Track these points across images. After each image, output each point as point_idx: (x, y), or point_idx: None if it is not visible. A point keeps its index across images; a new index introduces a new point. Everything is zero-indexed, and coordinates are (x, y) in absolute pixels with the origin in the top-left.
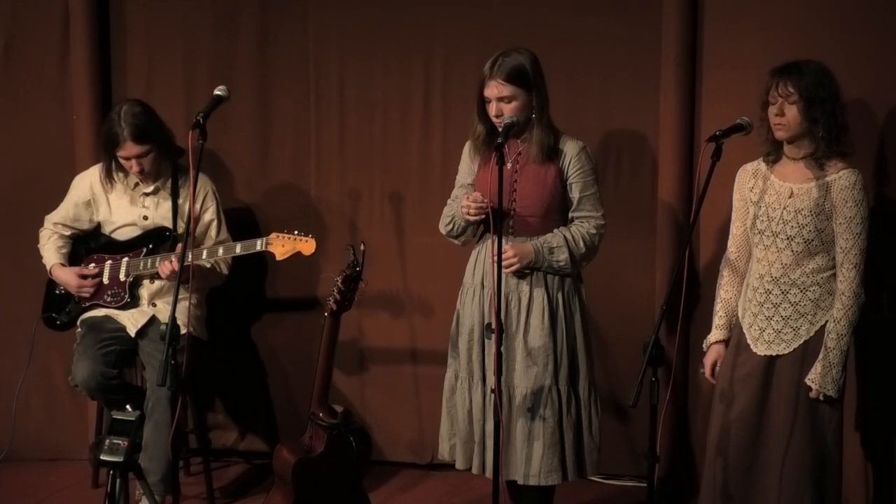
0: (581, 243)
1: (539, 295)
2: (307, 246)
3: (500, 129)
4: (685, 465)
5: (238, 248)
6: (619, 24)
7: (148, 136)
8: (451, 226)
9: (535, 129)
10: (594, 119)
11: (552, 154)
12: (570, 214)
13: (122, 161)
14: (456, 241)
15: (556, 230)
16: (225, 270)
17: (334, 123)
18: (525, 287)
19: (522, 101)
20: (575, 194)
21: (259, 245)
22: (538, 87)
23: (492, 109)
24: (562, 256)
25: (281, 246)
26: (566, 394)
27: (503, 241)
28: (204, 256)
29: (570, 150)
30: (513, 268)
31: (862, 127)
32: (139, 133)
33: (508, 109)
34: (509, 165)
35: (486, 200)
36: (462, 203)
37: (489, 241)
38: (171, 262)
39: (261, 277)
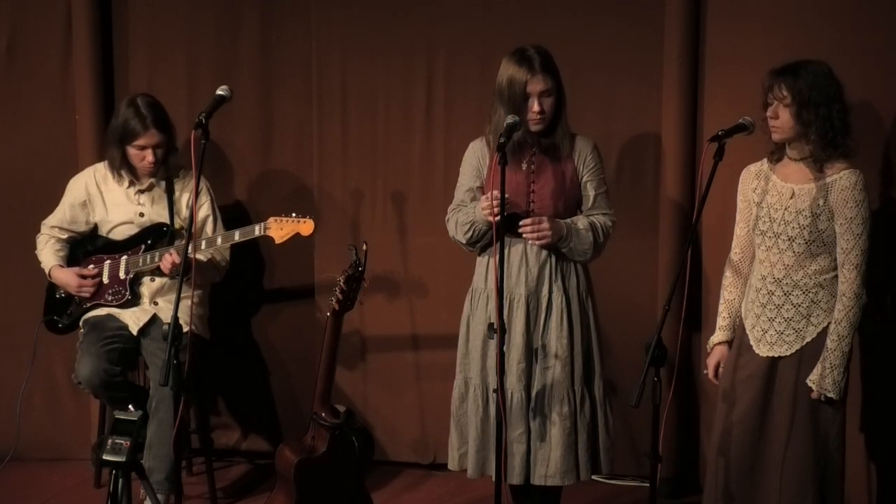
0: (601, 232)
1: (557, 296)
2: (305, 227)
3: (504, 129)
4: (688, 465)
5: (237, 235)
6: (621, 24)
7: (167, 126)
8: (471, 232)
9: (559, 126)
10: (597, 119)
11: (570, 152)
12: (586, 212)
13: (135, 153)
14: (473, 249)
15: (578, 215)
16: (223, 263)
17: (336, 124)
18: (545, 289)
19: (556, 94)
20: (590, 192)
21: (258, 230)
22: (560, 79)
23: (533, 106)
24: (587, 240)
25: (279, 229)
26: (580, 394)
27: (523, 242)
28: (203, 247)
29: (585, 147)
30: (545, 241)
31: (866, 128)
32: (161, 121)
33: (549, 104)
34: (524, 166)
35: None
36: (482, 206)
37: (508, 247)
38: (171, 255)
39: (263, 276)
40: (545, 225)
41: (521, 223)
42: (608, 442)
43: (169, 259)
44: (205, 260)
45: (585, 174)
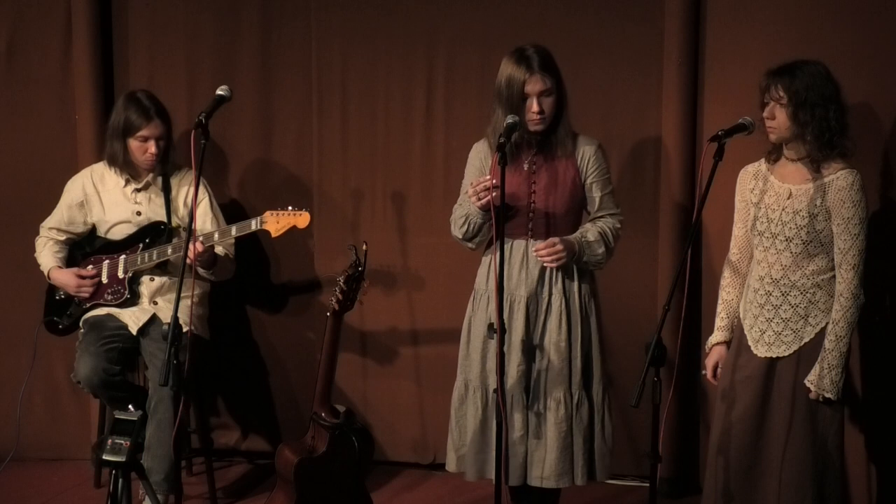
0: (611, 237)
1: (557, 298)
2: (301, 219)
3: (503, 129)
4: (688, 465)
5: (234, 231)
6: (621, 24)
7: (168, 117)
8: (466, 226)
9: (561, 125)
10: (597, 118)
11: (572, 152)
12: (593, 214)
13: (138, 145)
14: (470, 245)
15: (587, 225)
16: (231, 263)
17: (336, 123)
18: (545, 291)
19: (556, 94)
20: (596, 194)
21: (254, 224)
22: (561, 78)
23: (532, 106)
24: (599, 250)
25: (276, 223)
26: (577, 397)
27: (524, 242)
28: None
29: (588, 148)
30: (561, 262)
31: (865, 128)
32: (163, 113)
33: (548, 104)
34: (526, 166)
35: (490, 179)
36: (468, 193)
37: (509, 247)
38: (193, 245)
39: (262, 277)
40: (559, 247)
41: (535, 248)
42: (604, 449)
43: (201, 247)
44: (221, 254)
45: (590, 176)
